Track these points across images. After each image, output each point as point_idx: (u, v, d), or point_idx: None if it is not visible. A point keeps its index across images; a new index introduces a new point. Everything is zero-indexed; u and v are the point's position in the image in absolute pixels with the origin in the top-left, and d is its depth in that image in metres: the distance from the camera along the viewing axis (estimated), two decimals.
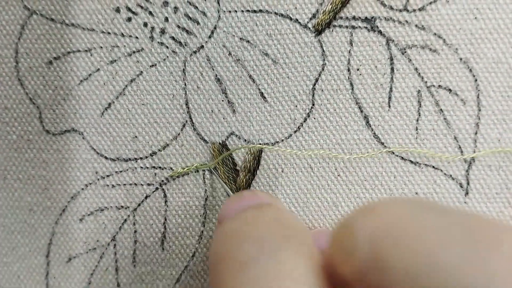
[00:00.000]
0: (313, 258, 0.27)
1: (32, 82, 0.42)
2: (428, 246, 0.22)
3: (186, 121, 0.42)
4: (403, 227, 0.23)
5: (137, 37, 0.41)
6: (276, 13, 0.40)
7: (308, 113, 0.41)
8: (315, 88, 0.41)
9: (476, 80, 0.40)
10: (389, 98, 0.41)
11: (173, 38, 0.41)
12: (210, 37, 0.41)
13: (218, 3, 0.40)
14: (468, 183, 0.42)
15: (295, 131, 0.42)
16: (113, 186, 0.43)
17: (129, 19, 0.41)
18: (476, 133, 0.41)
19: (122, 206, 0.43)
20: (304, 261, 0.27)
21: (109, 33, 0.41)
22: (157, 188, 0.43)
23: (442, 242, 0.22)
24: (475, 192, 0.42)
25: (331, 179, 0.42)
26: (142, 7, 0.40)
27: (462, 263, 0.21)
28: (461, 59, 0.40)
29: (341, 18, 0.40)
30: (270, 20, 0.40)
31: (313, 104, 0.41)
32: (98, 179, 0.43)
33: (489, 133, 0.41)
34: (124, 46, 0.41)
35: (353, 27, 0.40)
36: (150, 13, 0.40)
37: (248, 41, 0.41)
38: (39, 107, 0.42)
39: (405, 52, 0.40)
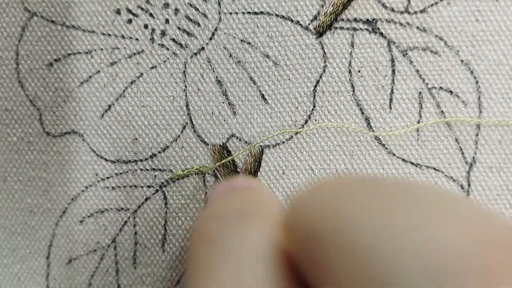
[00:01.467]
0: (277, 237, 0.28)
1: (32, 84, 0.42)
2: (348, 215, 0.22)
3: (187, 123, 0.42)
4: (334, 203, 0.23)
5: (137, 39, 0.41)
6: (277, 15, 0.40)
7: (309, 115, 0.41)
8: (316, 90, 0.41)
9: (477, 82, 0.40)
10: (390, 100, 0.41)
11: (173, 40, 0.41)
12: (211, 39, 0.41)
13: (219, 5, 0.40)
14: (469, 185, 0.41)
15: (296, 133, 0.42)
16: (113, 188, 0.43)
17: (130, 21, 0.41)
18: (477, 135, 0.41)
19: (122, 208, 0.43)
20: (267, 239, 0.27)
21: (109, 35, 0.41)
22: (157, 190, 0.43)
23: (358, 208, 0.22)
24: (476, 194, 0.42)
25: None
26: (142, 9, 0.40)
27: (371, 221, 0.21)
28: (462, 61, 0.40)
29: (342, 20, 0.40)
30: (271, 22, 0.40)
31: (314, 106, 0.41)
32: (98, 181, 0.43)
33: (490, 135, 0.41)
34: (125, 48, 0.41)
35: (354, 29, 0.40)
36: (151, 14, 0.40)
37: (249, 43, 0.40)
38: (39, 109, 0.42)
39: (406, 54, 0.40)
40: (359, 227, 0.22)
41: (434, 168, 0.41)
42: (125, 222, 0.43)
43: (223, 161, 0.42)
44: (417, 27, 0.40)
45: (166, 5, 0.40)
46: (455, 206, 0.22)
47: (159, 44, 0.41)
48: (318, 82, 0.41)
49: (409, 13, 0.40)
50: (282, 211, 0.28)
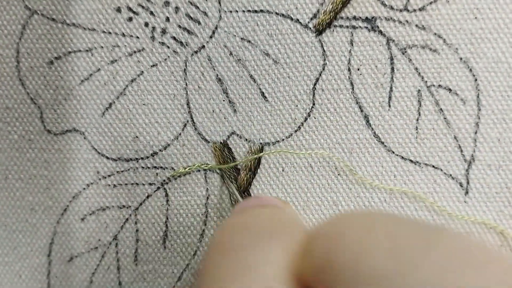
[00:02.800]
0: (296, 259, 0.28)
1: (33, 82, 0.42)
2: (362, 257, 0.23)
3: (187, 121, 0.42)
4: (351, 237, 0.24)
5: (138, 37, 0.41)
6: (277, 13, 0.40)
7: (308, 113, 0.42)
8: (315, 88, 0.41)
9: (476, 80, 0.40)
10: (389, 97, 0.41)
11: (174, 38, 0.41)
12: (211, 37, 0.41)
13: (219, 3, 0.40)
14: (468, 183, 0.42)
15: (295, 131, 0.42)
16: (114, 185, 0.43)
17: (130, 19, 0.41)
18: (476, 133, 0.41)
19: (123, 206, 0.43)
20: (286, 259, 0.28)
21: (110, 33, 0.41)
22: (158, 188, 0.43)
23: (370, 251, 0.23)
24: (475, 192, 0.42)
25: (331, 178, 0.42)
26: (143, 7, 0.40)
27: (390, 272, 0.22)
28: (461, 58, 0.40)
29: (341, 18, 0.40)
30: (271, 20, 0.40)
31: (314, 104, 0.41)
32: (100, 179, 0.43)
33: (489, 133, 0.41)
34: (125, 46, 0.41)
35: (354, 27, 0.41)
36: (151, 13, 0.40)
37: (249, 41, 0.41)
38: (40, 107, 0.42)
39: (406, 52, 0.40)
40: (387, 271, 0.22)
41: (433, 166, 0.42)
42: (127, 219, 0.43)
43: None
44: (416, 25, 0.40)
45: (167, 3, 0.40)
46: (479, 255, 0.22)
47: (159, 42, 0.41)
48: (317, 80, 0.41)
49: (408, 11, 0.40)
50: (305, 234, 0.29)
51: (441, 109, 0.41)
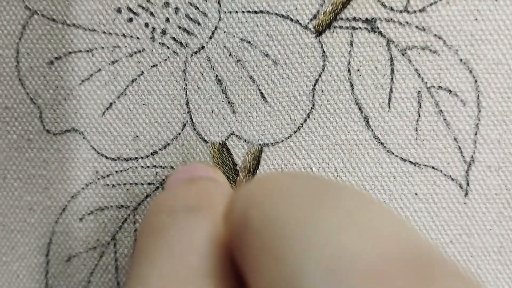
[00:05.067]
0: (221, 230, 0.28)
1: (33, 82, 0.42)
2: (277, 209, 0.23)
3: (187, 121, 0.42)
4: (266, 198, 0.24)
5: (138, 38, 0.41)
6: (276, 14, 0.40)
7: (308, 114, 0.42)
8: (315, 89, 0.41)
9: (476, 81, 0.40)
10: (389, 99, 0.41)
11: (174, 38, 0.41)
12: (210, 37, 0.41)
13: (219, 4, 0.40)
14: (467, 184, 0.42)
15: (295, 132, 0.42)
16: (113, 185, 0.43)
17: (130, 20, 0.41)
18: (476, 134, 0.41)
19: (122, 206, 0.43)
20: (209, 233, 0.28)
21: (110, 33, 0.41)
22: (157, 187, 0.43)
23: (287, 205, 0.23)
24: (475, 193, 0.42)
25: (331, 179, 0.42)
26: (143, 8, 0.41)
27: (301, 223, 0.22)
28: (461, 60, 0.40)
29: (341, 19, 0.41)
30: (270, 21, 0.40)
31: (313, 105, 0.41)
32: (99, 179, 0.43)
33: (489, 134, 0.41)
34: (125, 46, 0.41)
35: (354, 28, 0.41)
36: (151, 13, 0.41)
37: (248, 42, 0.41)
38: (39, 107, 0.42)
39: (405, 53, 0.40)
40: (281, 224, 0.22)
41: (433, 167, 0.42)
42: (125, 219, 0.43)
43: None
44: (416, 26, 0.40)
45: (167, 4, 0.40)
46: (370, 215, 0.22)
47: (159, 42, 0.41)
48: (317, 81, 0.41)
49: (408, 12, 0.40)
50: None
51: (441, 110, 0.41)
